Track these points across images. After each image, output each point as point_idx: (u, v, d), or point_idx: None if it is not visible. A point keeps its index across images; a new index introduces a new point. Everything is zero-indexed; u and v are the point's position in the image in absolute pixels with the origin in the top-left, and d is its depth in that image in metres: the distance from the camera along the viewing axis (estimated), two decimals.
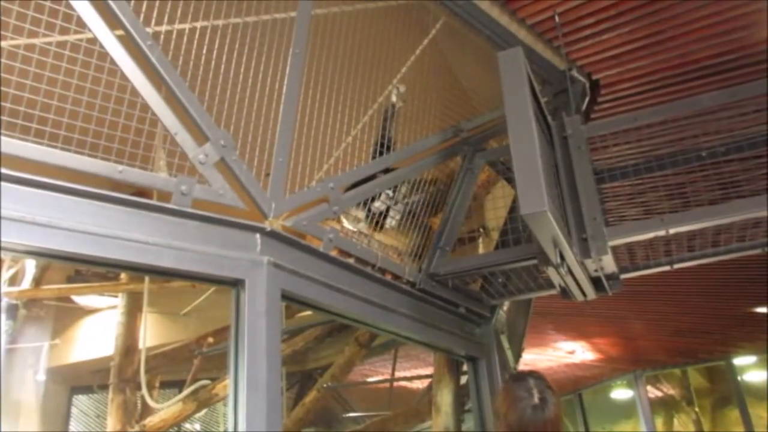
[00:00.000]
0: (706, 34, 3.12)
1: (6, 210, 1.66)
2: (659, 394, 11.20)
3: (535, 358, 8.76)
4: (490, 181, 3.57)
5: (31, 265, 5.56)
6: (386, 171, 2.90)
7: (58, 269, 6.28)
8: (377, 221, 2.96)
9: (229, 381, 2.01)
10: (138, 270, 1.98)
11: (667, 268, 3.03)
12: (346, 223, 2.76)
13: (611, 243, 2.60)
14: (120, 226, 1.86)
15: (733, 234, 2.81)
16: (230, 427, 1.96)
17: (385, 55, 2.95)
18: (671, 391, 11.27)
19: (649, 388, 10.27)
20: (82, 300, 7.01)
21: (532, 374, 2.33)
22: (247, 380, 1.96)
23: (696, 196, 2.81)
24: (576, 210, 2.67)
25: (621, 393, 10.77)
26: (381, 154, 2.88)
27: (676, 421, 11.26)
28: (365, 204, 2.85)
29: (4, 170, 1.67)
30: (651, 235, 2.63)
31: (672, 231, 2.60)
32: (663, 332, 8.07)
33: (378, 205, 2.85)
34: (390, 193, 2.88)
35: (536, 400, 2.21)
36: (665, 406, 11.30)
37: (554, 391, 2.26)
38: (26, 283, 5.64)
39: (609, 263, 2.70)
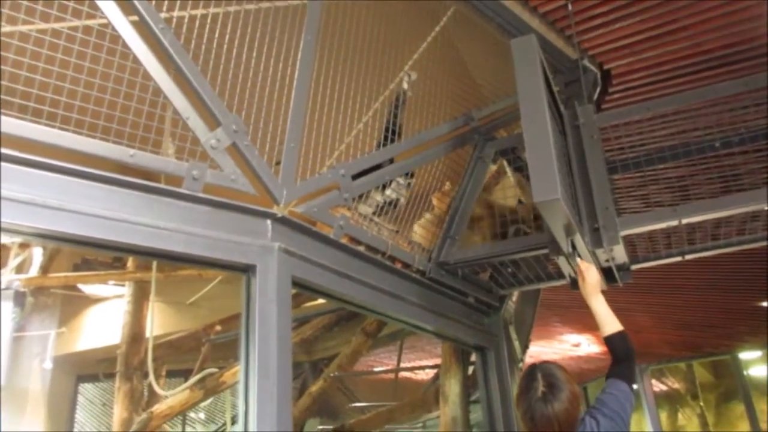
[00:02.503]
0: (717, 24, 3.09)
1: (17, 192, 1.65)
2: (664, 387, 11.20)
3: (540, 350, 8.77)
4: (500, 172, 3.55)
5: (38, 253, 5.58)
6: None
7: (65, 257, 6.30)
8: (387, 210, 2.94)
9: (240, 367, 2.01)
10: (148, 255, 1.97)
11: (678, 258, 3.01)
12: (362, 208, 2.74)
13: (623, 233, 2.59)
14: (130, 210, 1.85)
15: (747, 226, 2.79)
16: (241, 413, 1.96)
17: (396, 43, 2.93)
18: (676, 385, 11.27)
19: (653, 381, 10.27)
20: (89, 289, 7.05)
21: (544, 366, 2.30)
22: (258, 366, 1.95)
23: (709, 185, 2.79)
24: (588, 200, 2.66)
25: None
26: (387, 139, 2.86)
27: (680, 415, 11.26)
28: (383, 189, 2.82)
29: (16, 153, 1.67)
30: (663, 225, 2.61)
31: (684, 221, 2.59)
32: (668, 326, 8.05)
33: (389, 193, 2.83)
34: (401, 180, 2.86)
35: (539, 393, 2.19)
36: (670, 400, 11.29)
37: (568, 384, 2.22)
38: (33, 271, 5.65)
39: (620, 253, 2.68)
